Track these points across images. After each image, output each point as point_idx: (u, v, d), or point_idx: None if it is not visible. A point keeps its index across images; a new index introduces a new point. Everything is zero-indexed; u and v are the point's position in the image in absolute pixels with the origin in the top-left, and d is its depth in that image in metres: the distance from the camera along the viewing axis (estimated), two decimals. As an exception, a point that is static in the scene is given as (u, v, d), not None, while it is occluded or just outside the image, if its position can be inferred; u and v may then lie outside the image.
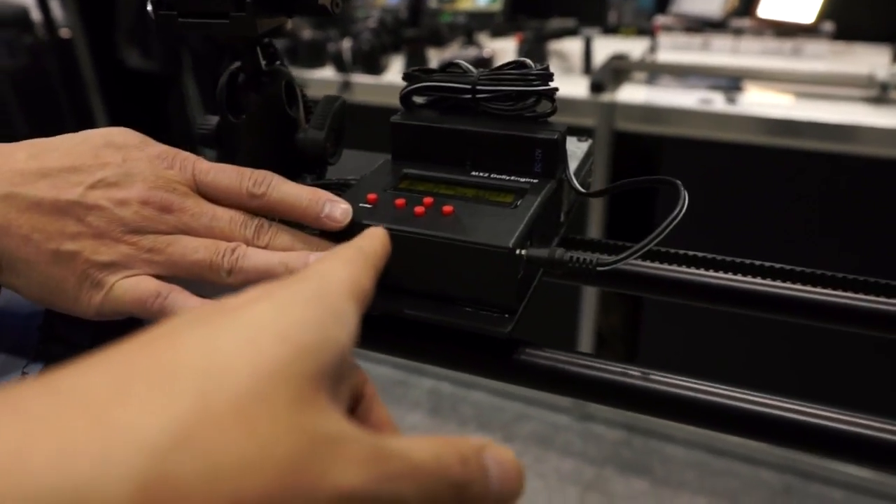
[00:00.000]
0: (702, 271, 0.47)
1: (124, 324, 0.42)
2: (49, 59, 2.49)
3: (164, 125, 2.46)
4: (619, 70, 1.72)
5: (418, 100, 0.51)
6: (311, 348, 0.22)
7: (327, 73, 1.81)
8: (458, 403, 2.03)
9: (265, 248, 0.42)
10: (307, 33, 1.83)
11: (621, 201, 1.75)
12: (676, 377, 0.42)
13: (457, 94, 0.49)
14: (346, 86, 1.74)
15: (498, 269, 0.39)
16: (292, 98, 0.52)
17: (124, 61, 2.17)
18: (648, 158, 1.76)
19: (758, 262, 0.46)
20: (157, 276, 0.41)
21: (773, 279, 0.46)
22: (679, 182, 0.42)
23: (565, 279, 0.46)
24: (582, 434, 1.92)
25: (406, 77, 0.51)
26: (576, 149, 0.54)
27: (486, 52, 1.72)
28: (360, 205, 0.44)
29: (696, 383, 0.41)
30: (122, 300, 0.40)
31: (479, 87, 0.48)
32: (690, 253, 0.48)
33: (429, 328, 0.43)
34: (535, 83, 0.47)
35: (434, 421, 1.97)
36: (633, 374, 0.43)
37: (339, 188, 0.52)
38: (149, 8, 0.47)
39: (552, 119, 0.49)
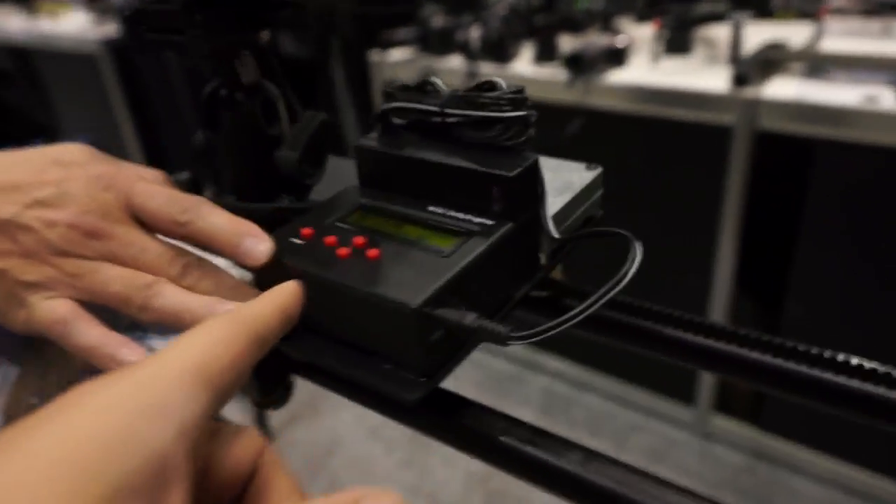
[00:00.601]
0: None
1: None
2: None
3: (311, 107, 2.55)
4: (770, 60, 1.55)
5: (398, 120, 0.47)
6: (104, 464, 0.21)
7: (455, 61, 1.78)
8: (570, 405, 1.96)
9: (190, 288, 0.40)
10: (438, 20, 1.81)
11: (756, 238, 1.58)
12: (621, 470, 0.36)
13: (428, 116, 0.44)
14: (473, 75, 1.71)
15: (403, 329, 0.35)
16: (273, 115, 0.50)
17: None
18: (796, 164, 1.58)
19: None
20: (81, 301, 0.41)
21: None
22: (630, 235, 0.35)
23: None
24: (700, 453, 1.79)
25: (384, 94, 0.47)
26: (575, 179, 0.47)
27: (619, 41, 1.61)
28: (291, 239, 0.41)
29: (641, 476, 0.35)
30: (40, 321, 0.40)
31: (447, 111, 0.43)
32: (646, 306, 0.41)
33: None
34: (505, 108, 0.41)
35: (544, 421, 1.91)
36: (572, 459, 0.37)
37: (297, 213, 0.49)
38: (121, 22, 0.46)
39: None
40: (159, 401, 0.23)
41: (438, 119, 0.43)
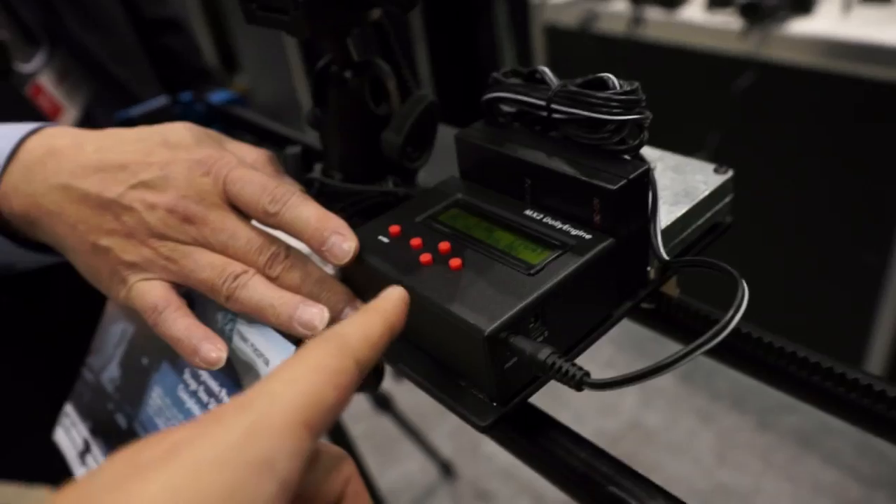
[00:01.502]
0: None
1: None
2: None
3: (472, 48, 2.51)
4: None
5: (506, 109, 0.44)
6: None
7: (620, 5, 1.67)
8: (713, 375, 1.86)
9: (276, 279, 0.40)
10: (604, -40, 1.70)
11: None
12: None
13: (534, 109, 0.41)
14: (637, 21, 1.60)
15: (476, 353, 0.33)
16: (381, 95, 0.48)
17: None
18: None
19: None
20: (175, 283, 0.42)
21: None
22: (737, 275, 0.31)
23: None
24: (857, 445, 1.65)
25: (492, 81, 0.44)
26: (700, 184, 0.42)
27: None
28: (379, 237, 0.40)
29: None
30: (136, 302, 0.42)
31: (553, 107, 0.39)
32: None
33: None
34: (615, 110, 0.37)
35: (684, 388, 1.84)
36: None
37: (404, 200, 0.47)
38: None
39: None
40: (266, 455, 0.22)
41: (544, 114, 0.40)
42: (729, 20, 1.50)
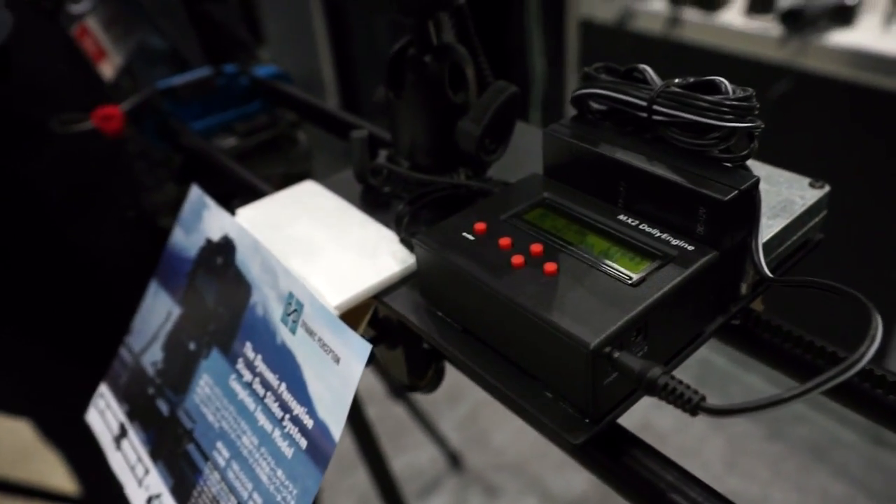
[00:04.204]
0: None
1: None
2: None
3: (500, 39, 2.47)
4: None
5: (596, 106, 0.41)
6: None
7: (658, 4, 1.64)
8: (728, 381, 1.84)
9: None
10: (645, -44, 1.67)
11: None
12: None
13: (632, 109, 0.38)
14: (675, 21, 1.57)
15: (575, 367, 0.31)
16: (460, 81, 0.46)
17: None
18: None
19: None
20: None
21: None
22: (867, 301, 0.29)
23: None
24: (868, 459, 1.64)
25: (584, 76, 0.42)
26: (797, 198, 0.40)
27: (850, -2, 1.41)
28: (463, 234, 0.38)
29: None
30: None
31: (655, 108, 0.37)
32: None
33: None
34: (726, 116, 0.35)
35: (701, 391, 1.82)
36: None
37: (478, 195, 0.45)
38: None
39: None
40: None
41: (644, 115, 0.38)
42: (768, 26, 1.47)
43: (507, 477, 1.69)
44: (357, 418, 1.11)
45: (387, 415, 1.78)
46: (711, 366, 1.88)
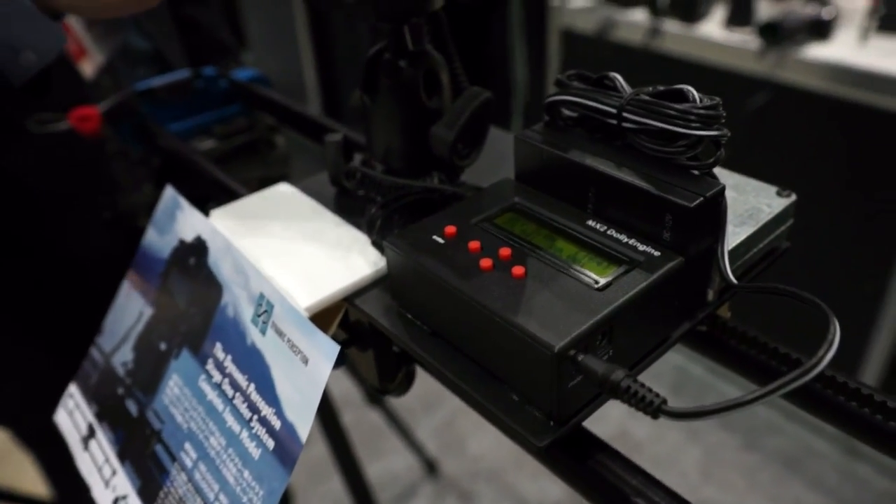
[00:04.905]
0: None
1: None
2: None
3: (483, 47, 2.48)
4: None
5: (568, 112, 0.42)
6: None
7: (639, 15, 1.66)
8: (704, 391, 1.85)
9: None
10: (627, -32, 1.68)
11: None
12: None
13: (602, 116, 0.39)
14: (655, 32, 1.59)
15: (540, 369, 0.31)
16: (434, 87, 0.46)
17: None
18: None
19: None
20: None
21: None
22: (826, 308, 0.29)
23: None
24: (841, 470, 1.65)
25: (556, 83, 0.42)
26: (763, 207, 0.41)
27: (826, 12, 1.43)
28: (433, 237, 0.38)
29: None
30: None
31: (624, 115, 0.37)
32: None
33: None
34: (693, 124, 0.35)
35: (673, 401, 1.83)
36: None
37: (450, 199, 0.45)
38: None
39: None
40: None
41: (614, 122, 0.38)
42: (747, 39, 1.49)
43: (483, 484, 1.68)
44: (331, 424, 1.11)
45: (363, 421, 1.78)
46: (688, 375, 1.89)
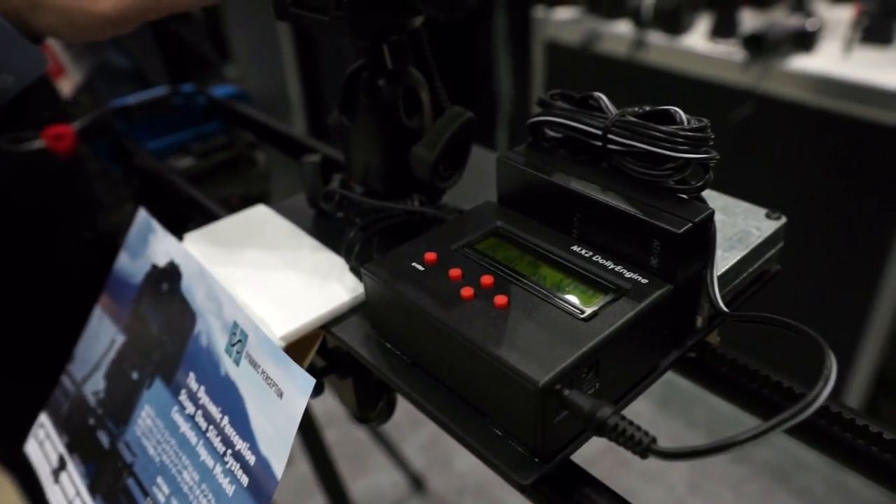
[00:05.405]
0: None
1: None
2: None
3: (468, 59, 2.48)
4: None
5: (552, 133, 0.41)
6: None
7: (623, 27, 1.66)
8: (692, 403, 1.85)
9: None
10: (610, -20, 1.68)
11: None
12: None
13: (587, 138, 0.38)
14: (639, 44, 1.58)
15: (524, 405, 0.30)
16: (414, 106, 0.45)
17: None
18: None
19: None
20: None
21: None
22: (822, 340, 0.28)
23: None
24: (830, 482, 1.65)
25: (539, 103, 0.41)
26: (753, 229, 0.40)
27: (809, 24, 1.44)
28: (413, 264, 0.36)
29: None
30: None
31: (610, 137, 0.36)
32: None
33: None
34: (681, 147, 0.34)
35: (661, 413, 1.82)
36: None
37: (432, 222, 0.44)
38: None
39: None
40: None
41: (599, 144, 0.37)
42: (731, 51, 1.49)
43: (469, 501, 1.66)
44: (315, 443, 1.09)
45: (349, 437, 1.76)
46: (675, 387, 1.88)
